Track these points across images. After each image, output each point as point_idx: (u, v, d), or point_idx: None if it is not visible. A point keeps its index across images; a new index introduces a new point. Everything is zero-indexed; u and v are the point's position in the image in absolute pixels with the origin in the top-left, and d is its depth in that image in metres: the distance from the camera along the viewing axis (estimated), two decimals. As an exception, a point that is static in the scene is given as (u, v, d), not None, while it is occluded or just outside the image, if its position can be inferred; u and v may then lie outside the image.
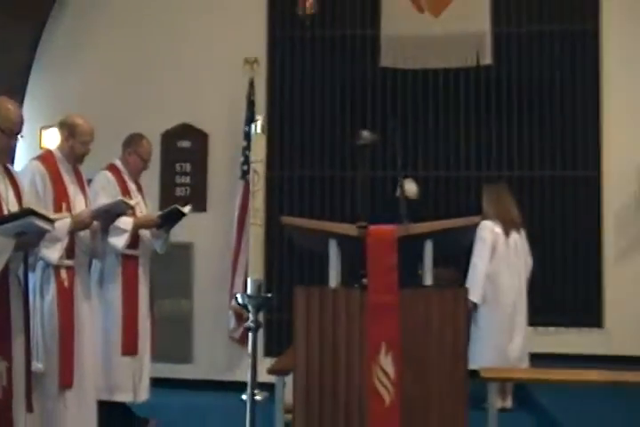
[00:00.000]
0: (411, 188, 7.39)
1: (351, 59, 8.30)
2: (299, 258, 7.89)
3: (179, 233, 5.73)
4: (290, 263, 7.89)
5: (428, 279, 3.68)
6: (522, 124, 8.24)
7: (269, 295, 3.97)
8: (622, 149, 8.10)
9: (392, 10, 8.17)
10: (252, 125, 3.90)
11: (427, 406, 3.58)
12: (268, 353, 7.56)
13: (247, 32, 8.15)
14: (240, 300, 3.77)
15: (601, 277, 8.11)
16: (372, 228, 3.59)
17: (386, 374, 3.53)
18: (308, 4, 7.64)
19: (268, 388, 4.38)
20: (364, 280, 3.59)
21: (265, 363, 5.19)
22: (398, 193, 7.28)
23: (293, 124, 8.21)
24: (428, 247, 3.68)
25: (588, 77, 8.27)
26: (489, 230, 6.39)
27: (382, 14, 8.17)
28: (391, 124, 7.89)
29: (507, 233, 6.44)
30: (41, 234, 3.74)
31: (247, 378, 3.77)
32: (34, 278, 4.41)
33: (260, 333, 7.53)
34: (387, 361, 3.52)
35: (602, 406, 5.82)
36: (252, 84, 7.87)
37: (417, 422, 3.56)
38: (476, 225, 3.92)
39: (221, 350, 7.55)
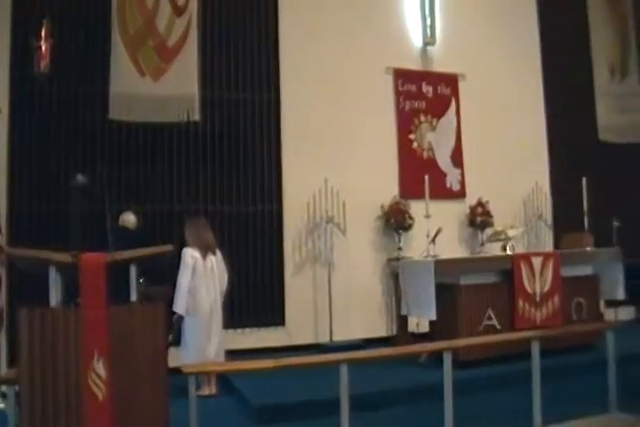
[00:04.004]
0: (129, 219, 7.28)
1: (83, 111, 7.98)
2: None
3: None
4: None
5: (134, 296, 3.67)
6: (222, 168, 8.41)
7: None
8: (296, 191, 8.61)
9: (119, 72, 8.01)
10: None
11: (134, 399, 3.58)
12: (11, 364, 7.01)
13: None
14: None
15: (283, 287, 8.49)
16: (85, 255, 3.52)
17: (99, 376, 3.47)
18: (42, 65, 7.32)
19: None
20: (79, 299, 3.51)
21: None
22: (120, 223, 7.23)
23: (32, 167, 7.73)
24: (133, 270, 3.68)
25: (272, 134, 8.70)
26: (189, 255, 6.41)
27: (111, 75, 7.97)
28: (99, 168, 7.75)
29: (204, 256, 6.49)
30: None
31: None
32: None
33: (4, 344, 7.01)
34: (99, 365, 3.47)
35: (282, 384, 6.09)
36: (-6, 132, 7.33)
37: (126, 414, 3.55)
38: (172, 251, 3.92)
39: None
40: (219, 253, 6.68)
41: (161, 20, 8.28)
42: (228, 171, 8.43)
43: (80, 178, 3.93)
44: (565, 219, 9.92)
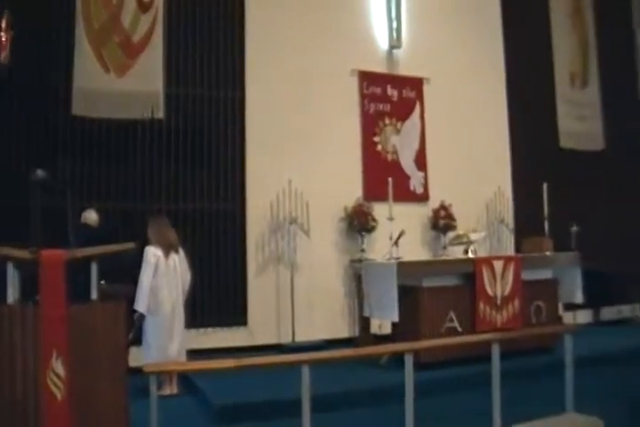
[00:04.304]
0: (91, 216, 7.16)
1: (46, 105, 7.77)
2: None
3: None
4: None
5: (94, 294, 3.60)
6: (186, 166, 8.30)
7: None
8: (259, 191, 8.56)
9: (83, 67, 7.88)
10: None
11: (94, 399, 3.52)
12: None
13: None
14: None
15: (246, 287, 8.42)
16: (44, 252, 3.43)
17: (57, 375, 3.40)
18: (2, 56, 7.13)
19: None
20: (38, 297, 3.42)
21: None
22: (82, 220, 7.11)
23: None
24: (94, 268, 3.61)
25: (237, 133, 8.62)
26: (152, 254, 6.33)
27: (74, 69, 7.82)
28: (61, 164, 7.59)
29: (166, 255, 6.42)
30: None
31: None
32: None
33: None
34: (58, 365, 3.40)
35: (244, 385, 6.09)
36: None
37: (86, 414, 3.50)
38: (134, 249, 3.85)
39: None
40: (181, 251, 6.61)
41: (126, 15, 8.19)
42: (191, 169, 8.33)
43: (40, 173, 3.84)
44: (526, 223, 10.05)
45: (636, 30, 12.43)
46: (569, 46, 11.50)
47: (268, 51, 8.78)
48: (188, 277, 6.67)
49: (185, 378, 6.60)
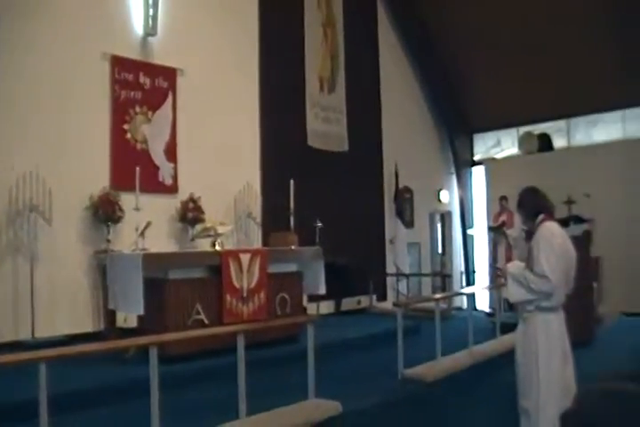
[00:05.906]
0: None
1: None
2: None
3: None
4: None
5: None
6: None
7: None
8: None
9: None
10: None
11: None
12: None
13: None
14: None
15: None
16: None
17: None
18: None
19: None
20: None
21: None
22: None
23: None
24: None
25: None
26: None
27: None
28: None
29: None
30: None
31: None
32: None
33: None
34: None
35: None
36: None
37: None
38: None
39: None
40: None
41: None
42: None
43: None
44: (273, 218, 10.56)
45: (380, 44, 13.65)
46: (320, 53, 12.26)
47: (15, 23, 8.15)
48: None
49: None
